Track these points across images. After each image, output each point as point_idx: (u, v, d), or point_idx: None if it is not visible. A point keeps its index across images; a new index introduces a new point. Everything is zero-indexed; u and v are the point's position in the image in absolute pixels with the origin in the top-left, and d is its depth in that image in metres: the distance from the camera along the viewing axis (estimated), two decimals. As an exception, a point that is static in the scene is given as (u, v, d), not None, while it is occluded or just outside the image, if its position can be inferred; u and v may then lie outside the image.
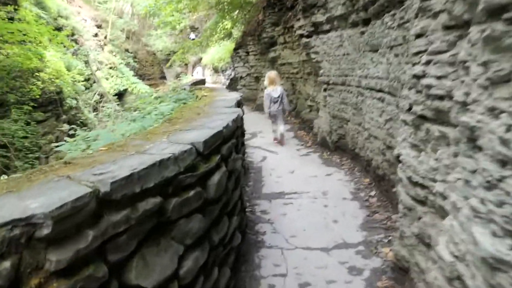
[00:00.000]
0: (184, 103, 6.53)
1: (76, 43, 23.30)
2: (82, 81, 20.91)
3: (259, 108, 12.70)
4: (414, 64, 2.62)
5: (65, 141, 5.76)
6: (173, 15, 17.54)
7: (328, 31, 6.72)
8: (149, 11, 18.06)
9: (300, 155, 6.99)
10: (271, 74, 8.07)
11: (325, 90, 7.02)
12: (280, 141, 7.97)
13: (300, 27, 7.58)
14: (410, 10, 3.54)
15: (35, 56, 16.25)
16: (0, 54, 14.54)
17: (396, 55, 3.96)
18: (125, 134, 4.19)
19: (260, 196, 4.94)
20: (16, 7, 15.64)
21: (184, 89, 11.69)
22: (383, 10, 4.59)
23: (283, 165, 6.32)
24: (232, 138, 3.24)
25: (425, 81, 2.37)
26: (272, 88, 7.77)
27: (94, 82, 23.92)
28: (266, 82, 8.06)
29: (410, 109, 2.78)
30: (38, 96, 15.55)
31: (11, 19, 15.01)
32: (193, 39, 25.77)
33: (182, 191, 2.18)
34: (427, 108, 2.40)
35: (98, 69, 24.75)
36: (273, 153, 7.22)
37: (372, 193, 4.76)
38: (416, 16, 2.61)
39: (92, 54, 24.22)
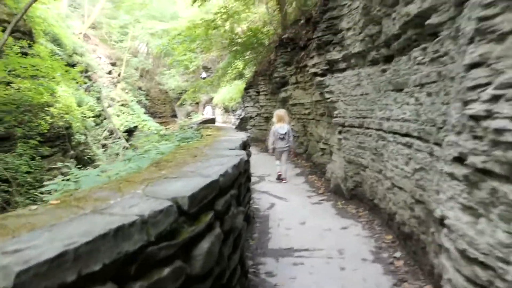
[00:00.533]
0: (188, 142, 5.96)
1: (90, 79, 23.34)
2: (92, 117, 20.69)
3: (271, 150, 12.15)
4: (467, 102, 1.99)
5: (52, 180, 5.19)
6: (185, 54, 17.42)
7: (344, 70, 6.19)
8: (162, 50, 18.00)
9: (312, 203, 6.24)
10: (280, 112, 8.36)
11: (340, 132, 6.40)
12: (283, 178, 8.09)
13: (313, 65, 7.07)
14: (448, 42, 2.96)
15: (47, 91, 16.13)
16: (11, 88, 14.39)
17: (429, 94, 3.34)
18: (111, 177, 3.57)
19: (266, 252, 4.18)
20: (31, 42, 15.71)
21: (191, 127, 11.27)
22: (409, 44, 4.03)
23: (293, 215, 5.58)
24: (231, 188, 2.59)
25: (491, 124, 1.73)
26: (280, 125, 8.03)
27: (105, 118, 23.75)
28: (274, 119, 8.30)
29: (459, 159, 2.13)
30: (46, 131, 15.32)
31: (25, 54, 15.02)
32: (204, 78, 25.70)
33: (153, 268, 1.52)
34: (494, 160, 1.74)
35: (109, 105, 24.65)
36: (282, 199, 6.51)
37: (397, 254, 4.00)
38: (471, 41, 2.01)
39: (104, 90, 24.20)
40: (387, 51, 4.74)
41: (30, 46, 15.58)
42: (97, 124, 22.96)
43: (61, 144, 17.10)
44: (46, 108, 16.25)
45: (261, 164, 9.85)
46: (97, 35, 27.83)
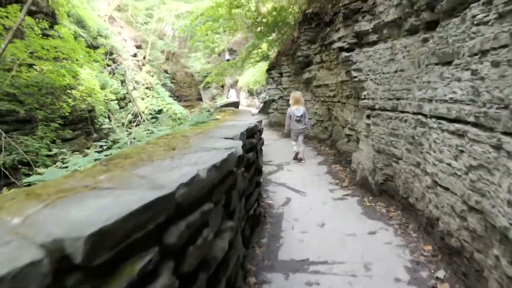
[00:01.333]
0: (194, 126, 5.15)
1: (114, 62, 22.91)
2: (115, 100, 20.24)
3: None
4: None
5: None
6: (207, 35, 16.53)
7: (374, 43, 5.16)
8: (184, 31, 17.17)
9: (334, 199, 5.27)
10: (296, 94, 8.18)
11: (368, 117, 5.40)
12: (301, 159, 7.99)
13: (339, 39, 6.04)
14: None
15: (69, 73, 15.87)
16: (33, 70, 14.14)
17: (496, 64, 2.35)
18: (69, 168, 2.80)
19: (274, 265, 3.30)
20: (53, 23, 15.53)
21: (208, 111, 10.57)
22: (462, 3, 3.02)
23: (311, 213, 4.64)
24: (206, 200, 1.72)
25: None
26: (296, 107, 7.91)
27: (129, 101, 23.36)
28: (291, 101, 8.19)
29: None
30: (67, 114, 15.08)
31: (47, 35, 14.79)
32: (228, 60, 24.76)
33: None
34: None
35: (134, 88, 24.24)
36: (299, 193, 5.57)
37: (440, 273, 3.05)
38: None
39: (129, 73, 23.75)
40: (430, 15, 3.72)
41: (52, 27, 15.30)
42: (121, 107, 22.60)
43: (83, 127, 16.93)
44: (68, 91, 16.01)
45: (281, 151, 8.96)
46: (122, 18, 27.27)
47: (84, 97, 17.04)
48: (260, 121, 5.28)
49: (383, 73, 4.85)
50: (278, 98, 13.58)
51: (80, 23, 20.06)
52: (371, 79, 5.21)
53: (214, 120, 4.88)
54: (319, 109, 9.85)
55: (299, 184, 6.05)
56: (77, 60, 16.89)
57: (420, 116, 3.85)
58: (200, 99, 32.52)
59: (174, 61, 32.65)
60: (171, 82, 30.93)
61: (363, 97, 5.48)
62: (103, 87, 20.49)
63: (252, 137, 3.81)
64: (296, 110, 7.81)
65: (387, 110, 4.76)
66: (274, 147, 9.64)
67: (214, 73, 20.88)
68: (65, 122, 15.37)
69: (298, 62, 10.52)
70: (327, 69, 8.86)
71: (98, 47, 21.79)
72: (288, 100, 12.47)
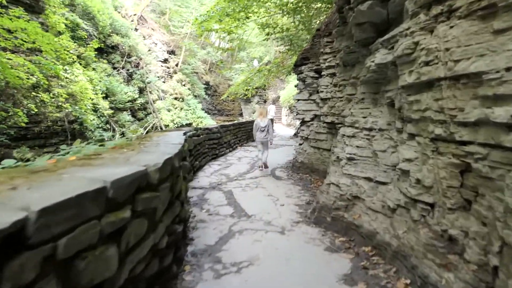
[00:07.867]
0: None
1: (136, 66, 17.13)
2: (125, 110, 14.22)
3: (330, 221, 3.92)
4: None
5: None
6: (220, 20, 9.94)
7: None
8: (200, 22, 10.76)
9: None
10: (262, 109, 7.14)
11: None
12: (264, 166, 7.06)
13: None
14: None
15: (45, 71, 10.00)
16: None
17: None
18: None
19: None
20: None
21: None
22: None
23: None
24: None
25: None
26: (261, 119, 6.92)
27: (150, 113, 17.33)
28: (256, 114, 7.52)
29: None
30: (23, 124, 9.23)
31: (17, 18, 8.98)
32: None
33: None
34: None
35: (159, 98, 18.21)
36: None
37: None
38: None
39: (153, 80, 17.80)
40: None
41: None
42: (139, 119, 16.71)
43: (60, 142, 11.10)
44: (35, 93, 10.26)
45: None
46: (159, 21, 21.60)
47: (60, 103, 11.18)
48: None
49: None
50: (312, 119, 6.38)
51: (87, 15, 14.43)
52: None
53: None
54: (418, 164, 2.45)
55: None
56: (66, 54, 11.25)
57: None
58: (241, 115, 26.05)
59: (217, 72, 26.57)
60: (213, 95, 24.76)
61: None
62: (111, 94, 14.68)
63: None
64: (261, 121, 6.81)
65: None
66: (272, 250, 2.62)
67: (238, 83, 14.28)
68: (24, 134, 9.77)
69: (357, 23, 3.31)
70: (476, 19, 1.71)
71: (114, 47, 16.08)
72: (330, 123, 5.22)
